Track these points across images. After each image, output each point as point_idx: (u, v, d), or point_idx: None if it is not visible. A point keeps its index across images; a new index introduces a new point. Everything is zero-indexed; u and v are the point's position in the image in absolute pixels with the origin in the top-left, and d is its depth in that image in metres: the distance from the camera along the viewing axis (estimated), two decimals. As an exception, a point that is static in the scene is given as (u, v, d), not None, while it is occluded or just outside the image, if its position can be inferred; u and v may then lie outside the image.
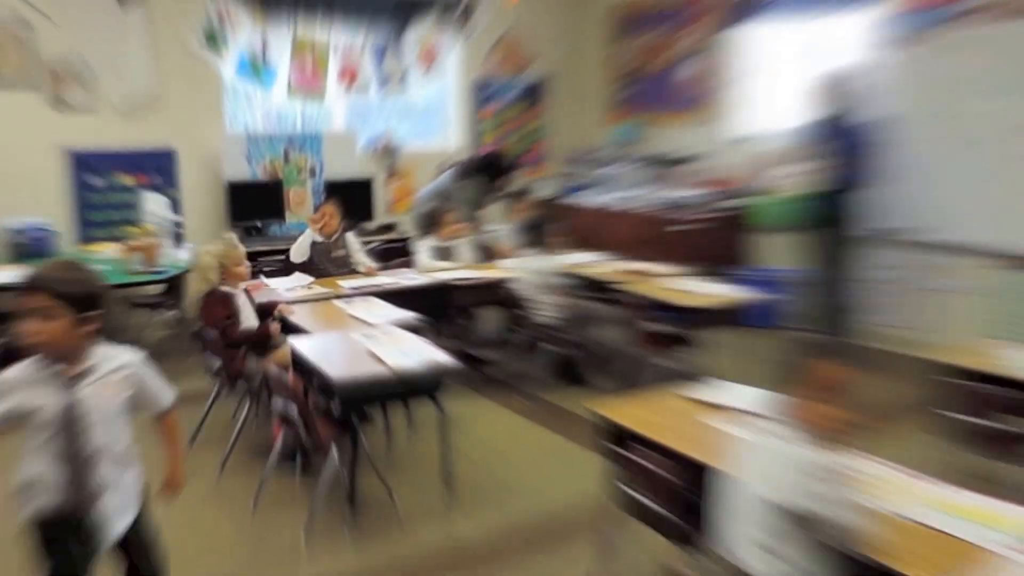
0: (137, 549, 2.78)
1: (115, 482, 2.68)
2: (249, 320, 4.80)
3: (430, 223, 6.32)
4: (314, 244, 6.03)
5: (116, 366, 2.68)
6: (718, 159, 8.10)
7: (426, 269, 6.14)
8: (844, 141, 5.87)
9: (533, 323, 5.92)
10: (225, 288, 4.74)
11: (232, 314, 4.74)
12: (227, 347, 4.57)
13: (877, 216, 6.45)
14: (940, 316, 6.45)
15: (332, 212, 6.06)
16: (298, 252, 5.96)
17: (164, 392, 2.84)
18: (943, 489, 2.67)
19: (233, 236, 5.03)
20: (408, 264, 6.40)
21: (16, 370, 2.58)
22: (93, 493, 2.63)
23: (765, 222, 7.67)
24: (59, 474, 2.59)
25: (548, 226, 5.89)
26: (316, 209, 6.32)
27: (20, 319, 2.50)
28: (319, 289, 5.54)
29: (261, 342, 4.68)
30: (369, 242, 6.70)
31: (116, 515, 2.70)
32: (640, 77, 8.93)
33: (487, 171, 6.77)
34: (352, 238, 6.18)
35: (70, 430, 2.58)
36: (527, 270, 5.89)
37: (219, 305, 4.70)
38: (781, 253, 7.51)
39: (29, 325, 2.50)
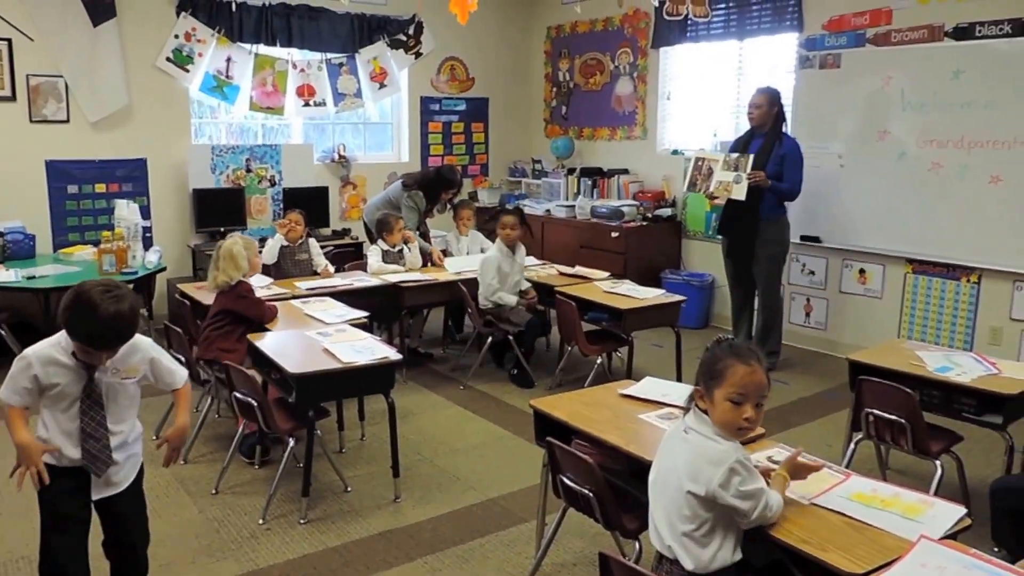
0: (126, 519, 2.83)
1: (123, 453, 2.78)
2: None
3: (381, 229, 6.23)
4: (280, 248, 5.94)
5: (130, 350, 2.74)
6: (652, 171, 8.11)
7: (377, 272, 6.05)
8: (768, 155, 5.85)
9: (479, 315, 5.90)
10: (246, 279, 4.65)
11: (261, 300, 4.75)
12: (257, 330, 4.48)
13: (802, 225, 6.50)
14: (857, 319, 6.52)
15: (297, 219, 5.98)
16: (268, 255, 5.87)
17: (177, 370, 2.92)
18: (860, 480, 2.65)
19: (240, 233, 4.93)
20: (360, 267, 6.31)
21: (43, 347, 2.67)
22: (104, 463, 2.72)
23: (696, 230, 7.72)
24: (73, 444, 2.69)
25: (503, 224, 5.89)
26: (283, 216, 6.24)
27: None
28: (278, 290, 5.42)
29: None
30: (324, 246, 6.58)
31: (120, 481, 2.80)
32: (577, 94, 8.91)
33: (435, 183, 6.69)
34: (314, 243, 6.09)
35: (88, 407, 2.67)
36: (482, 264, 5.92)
37: (252, 292, 4.65)
38: (709, 258, 7.59)
39: None
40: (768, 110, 5.86)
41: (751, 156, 5.84)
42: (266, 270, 5.80)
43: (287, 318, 4.75)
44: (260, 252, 5.12)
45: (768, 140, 5.88)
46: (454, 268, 6.25)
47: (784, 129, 5.95)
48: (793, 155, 5.82)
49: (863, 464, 4.27)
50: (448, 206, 7.03)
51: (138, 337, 2.76)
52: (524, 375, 5.85)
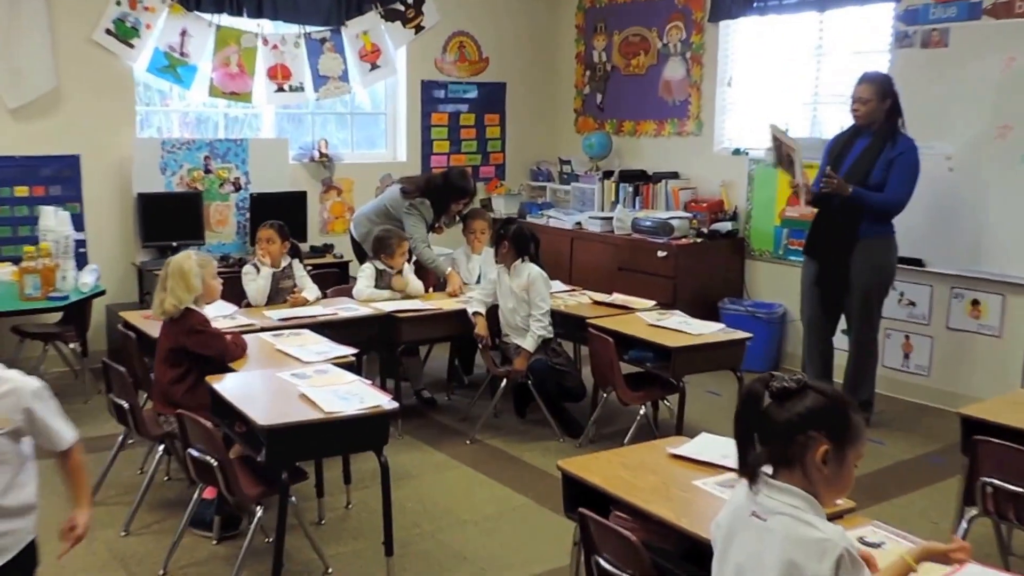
0: None
1: None
2: None
3: (380, 248, 6.29)
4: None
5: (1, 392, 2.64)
6: (708, 175, 8.15)
7: (365, 299, 6.10)
8: (875, 158, 5.82)
9: (494, 354, 5.93)
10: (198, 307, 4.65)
11: (221, 333, 4.73)
12: (216, 371, 4.50)
13: (899, 245, 6.35)
14: (970, 362, 6.49)
15: (271, 236, 6.02)
16: (259, 295, 5.93)
17: (64, 428, 2.81)
18: (977, 570, 2.55)
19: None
20: (346, 292, 6.35)
21: None
22: None
23: (763, 249, 7.72)
24: None
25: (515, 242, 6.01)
26: (249, 229, 6.31)
27: None
28: (243, 319, 5.45)
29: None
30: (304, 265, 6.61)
31: None
32: (616, 79, 8.97)
33: (443, 191, 6.75)
34: (299, 266, 6.15)
35: None
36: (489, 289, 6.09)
37: (208, 324, 4.64)
38: (781, 285, 7.60)
39: None
40: (878, 104, 5.81)
41: (831, 161, 5.86)
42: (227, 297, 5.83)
43: (255, 355, 4.77)
44: (242, 277, 5.04)
45: (877, 140, 5.85)
46: (465, 294, 6.33)
47: (901, 127, 5.85)
48: (905, 159, 5.75)
49: (979, 547, 4.23)
50: (457, 219, 7.07)
51: (16, 377, 2.71)
52: (562, 418, 5.95)
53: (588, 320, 5.76)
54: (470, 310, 6.04)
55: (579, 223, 8.33)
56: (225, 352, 4.64)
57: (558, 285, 6.64)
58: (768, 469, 2.32)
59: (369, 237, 6.77)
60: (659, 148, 8.55)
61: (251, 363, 4.65)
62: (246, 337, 4.94)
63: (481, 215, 7.02)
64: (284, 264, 6.07)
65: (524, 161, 9.52)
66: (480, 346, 6.03)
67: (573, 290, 6.72)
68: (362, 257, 6.90)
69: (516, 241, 6.00)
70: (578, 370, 6.20)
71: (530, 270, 5.95)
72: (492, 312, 6.11)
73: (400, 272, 6.31)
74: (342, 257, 7.83)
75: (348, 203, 8.45)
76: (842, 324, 6.20)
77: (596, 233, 8.11)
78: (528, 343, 5.87)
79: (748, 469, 2.34)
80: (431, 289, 6.64)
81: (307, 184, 8.25)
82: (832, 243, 5.97)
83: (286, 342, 5.01)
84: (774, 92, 7.77)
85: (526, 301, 5.94)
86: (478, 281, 6.67)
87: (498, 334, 6.13)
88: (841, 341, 6.24)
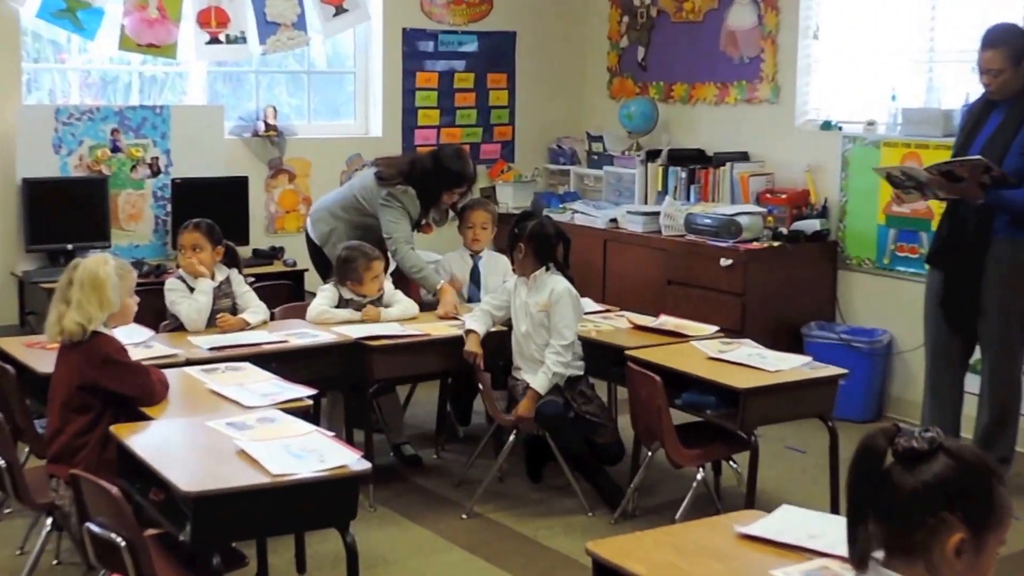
0: None
1: None
2: None
3: (345, 272, 6.25)
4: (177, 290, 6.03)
5: None
6: (788, 157, 8.16)
7: (320, 320, 6.09)
8: (1010, 139, 5.78)
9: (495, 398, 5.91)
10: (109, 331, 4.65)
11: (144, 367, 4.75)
12: (134, 416, 4.49)
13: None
14: None
15: (196, 242, 5.98)
16: (200, 317, 5.92)
17: None
18: None
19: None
20: (301, 312, 6.33)
21: None
22: None
23: (862, 257, 7.69)
24: None
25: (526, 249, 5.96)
26: (169, 226, 6.31)
27: None
28: (162, 348, 5.44)
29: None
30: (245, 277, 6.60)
31: None
32: (664, 28, 8.98)
33: (432, 177, 6.73)
34: (238, 278, 6.13)
35: None
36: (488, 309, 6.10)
37: (125, 354, 4.64)
38: (886, 304, 7.59)
39: None
40: (1012, 72, 5.78)
41: (965, 140, 5.84)
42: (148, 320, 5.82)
43: (178, 397, 4.77)
44: (167, 296, 4.99)
45: (1013, 116, 5.85)
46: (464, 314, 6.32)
47: None
48: None
49: None
50: (450, 214, 7.06)
51: None
52: (593, 482, 5.92)
53: (627, 351, 5.74)
54: (466, 324, 6.03)
55: (614, 220, 8.33)
56: (150, 392, 4.64)
57: (588, 304, 6.59)
58: (880, 554, 2.31)
59: (332, 238, 6.77)
60: (722, 120, 8.56)
61: (173, 407, 4.64)
62: (166, 372, 4.94)
63: (483, 205, 7.03)
64: (220, 278, 6.05)
65: (540, 137, 9.54)
66: (477, 374, 5.98)
67: (607, 311, 6.71)
68: (323, 265, 6.87)
69: (537, 242, 5.94)
70: (613, 420, 6.18)
71: (555, 284, 5.90)
72: (504, 339, 6.12)
73: (377, 301, 6.29)
74: (295, 265, 7.83)
75: (304, 192, 8.48)
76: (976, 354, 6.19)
77: (637, 234, 8.10)
78: (538, 381, 5.81)
79: (857, 554, 2.33)
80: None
81: (249, 167, 8.26)
82: (963, 249, 5.95)
83: (220, 380, 4.99)
84: (875, 46, 7.77)
85: (545, 326, 5.90)
86: (474, 293, 6.72)
87: (508, 368, 6.13)
88: (972, 382, 6.23)
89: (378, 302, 6.30)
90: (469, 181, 6.92)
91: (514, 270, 6.12)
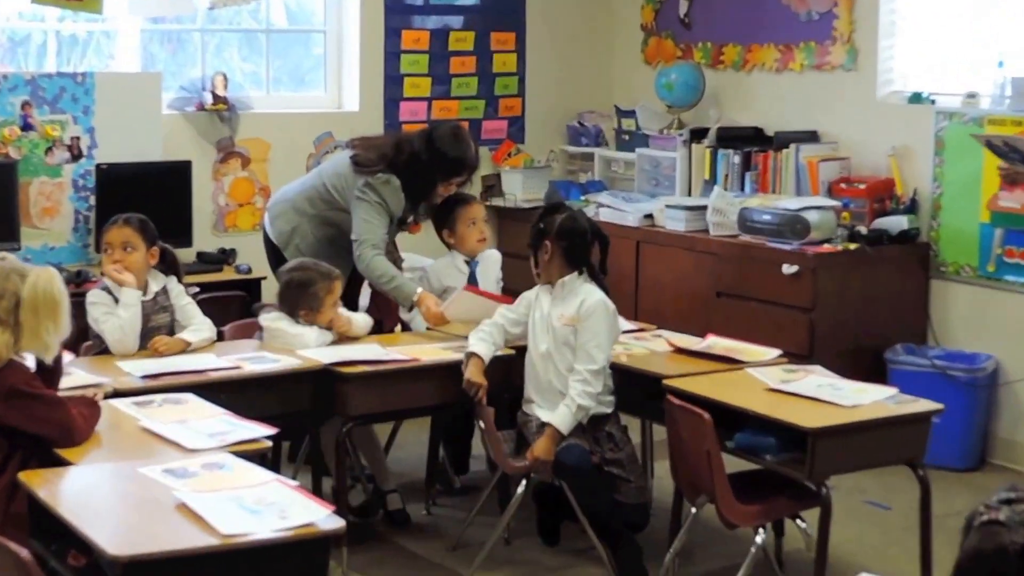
0: None
1: None
2: None
3: (297, 300, 6.21)
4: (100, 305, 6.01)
5: None
6: (868, 138, 8.17)
7: (288, 344, 6.07)
8: None
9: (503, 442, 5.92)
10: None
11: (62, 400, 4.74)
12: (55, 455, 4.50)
13: None
14: None
15: (126, 240, 5.97)
16: (128, 337, 5.89)
17: None
18: None
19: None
20: (254, 330, 6.34)
21: None
22: None
23: (961, 263, 7.68)
24: None
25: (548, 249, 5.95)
26: (92, 227, 6.28)
27: None
28: (83, 375, 5.42)
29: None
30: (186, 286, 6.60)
31: None
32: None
33: (425, 163, 6.70)
34: (178, 289, 6.11)
35: None
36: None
37: (37, 385, 4.62)
38: (991, 323, 7.59)
39: None
40: None
41: None
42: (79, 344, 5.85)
43: (105, 437, 4.76)
44: (88, 311, 5.03)
45: None
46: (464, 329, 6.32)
47: None
48: None
49: None
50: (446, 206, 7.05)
51: None
52: (621, 548, 5.89)
53: (666, 381, 5.72)
54: (469, 345, 5.99)
55: (650, 217, 8.36)
56: (68, 430, 4.62)
57: (620, 322, 6.58)
58: None
59: (295, 238, 6.82)
60: (785, 91, 8.59)
61: (98, 450, 4.63)
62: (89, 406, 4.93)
63: (472, 197, 7.03)
64: (155, 288, 6.04)
65: (556, 112, 9.58)
66: (478, 409, 5.95)
67: (641, 330, 6.73)
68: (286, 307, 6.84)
69: (569, 240, 5.91)
70: (643, 474, 6.20)
71: (588, 294, 5.89)
72: (513, 365, 6.11)
73: (343, 316, 6.29)
74: (250, 272, 7.88)
75: (261, 181, 8.52)
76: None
77: (679, 234, 8.13)
78: (560, 417, 5.78)
79: None
80: (396, 328, 6.66)
81: (193, 149, 8.30)
82: None
83: (156, 415, 4.97)
84: (978, 1, 7.77)
85: (570, 346, 5.88)
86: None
87: (517, 402, 6.12)
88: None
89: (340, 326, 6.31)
90: (470, 168, 6.87)
91: (537, 275, 6.07)
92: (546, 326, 5.96)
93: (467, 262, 6.87)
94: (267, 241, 7.08)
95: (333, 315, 6.26)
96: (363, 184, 6.67)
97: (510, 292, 6.66)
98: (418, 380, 6.08)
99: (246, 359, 5.89)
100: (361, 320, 6.39)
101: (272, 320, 6.22)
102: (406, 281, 6.62)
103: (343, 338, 6.26)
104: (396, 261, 6.91)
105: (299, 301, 6.22)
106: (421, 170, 6.72)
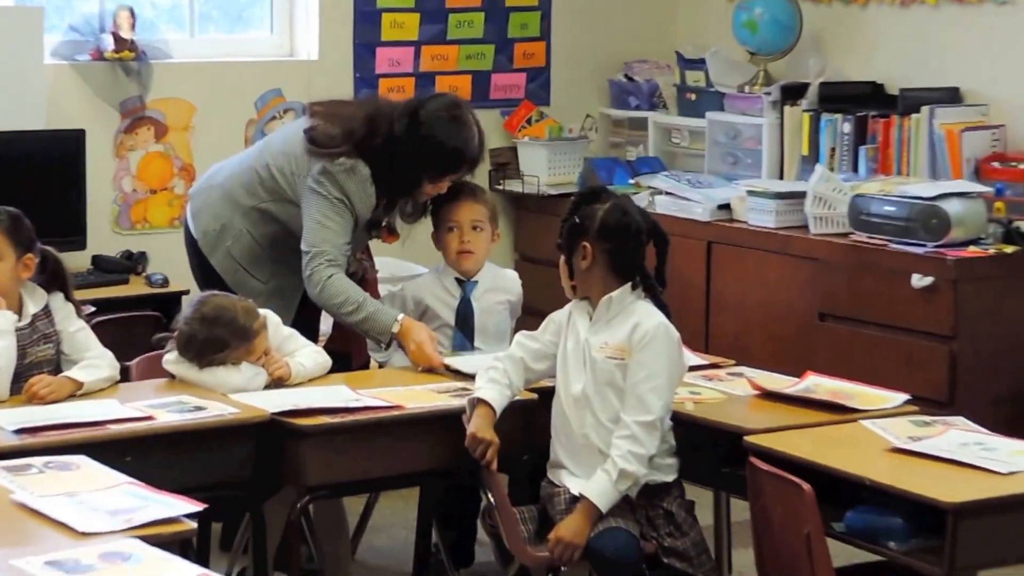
0: None
1: None
2: None
3: (205, 347, 6.20)
4: None
5: None
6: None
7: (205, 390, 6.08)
8: None
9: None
10: None
11: None
12: None
13: None
14: None
15: None
16: None
17: None
18: None
19: None
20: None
21: None
22: None
23: None
24: None
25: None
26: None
27: None
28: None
29: None
30: (79, 304, 6.63)
31: None
32: None
33: (405, 150, 6.70)
34: (66, 309, 6.13)
35: None
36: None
37: None
38: None
39: None
40: None
41: None
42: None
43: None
44: None
45: None
46: (466, 364, 6.36)
47: None
48: None
49: None
50: (429, 208, 7.03)
51: None
52: None
53: (749, 439, 5.71)
54: (475, 387, 5.95)
55: (726, 208, 8.44)
56: None
57: (686, 355, 6.58)
58: None
59: (226, 239, 6.86)
60: (913, 33, 8.65)
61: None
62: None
63: (472, 191, 6.99)
64: (33, 309, 6.06)
65: (594, 62, 9.69)
66: (485, 477, 5.95)
67: (714, 366, 6.73)
68: (211, 286, 6.84)
69: (616, 240, 5.85)
70: (714, 561, 6.22)
71: (643, 316, 5.85)
72: (532, 414, 6.10)
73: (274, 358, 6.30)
74: (166, 284, 7.97)
75: (183, 159, 8.62)
76: None
77: (766, 231, 8.19)
78: (598, 488, 5.74)
79: None
80: (371, 363, 6.71)
81: (87, 114, 8.39)
82: None
83: (37, 485, 4.97)
84: None
85: (616, 387, 5.86)
86: (463, 342, 6.77)
87: (538, 466, 6.12)
88: None
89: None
90: (470, 162, 6.80)
91: (570, 290, 6.01)
92: (582, 360, 5.90)
93: (460, 281, 6.88)
94: (190, 242, 7.09)
95: (264, 354, 6.23)
96: (319, 171, 6.62)
97: (534, 314, 6.63)
98: (403, 436, 6.03)
99: (161, 406, 5.82)
100: (309, 361, 6.31)
101: (176, 364, 6.23)
102: (380, 308, 6.57)
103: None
104: (363, 278, 6.93)
105: (203, 356, 6.19)
106: (401, 160, 6.66)
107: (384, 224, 6.96)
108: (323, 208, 6.60)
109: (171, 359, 6.21)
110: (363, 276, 6.84)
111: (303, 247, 6.54)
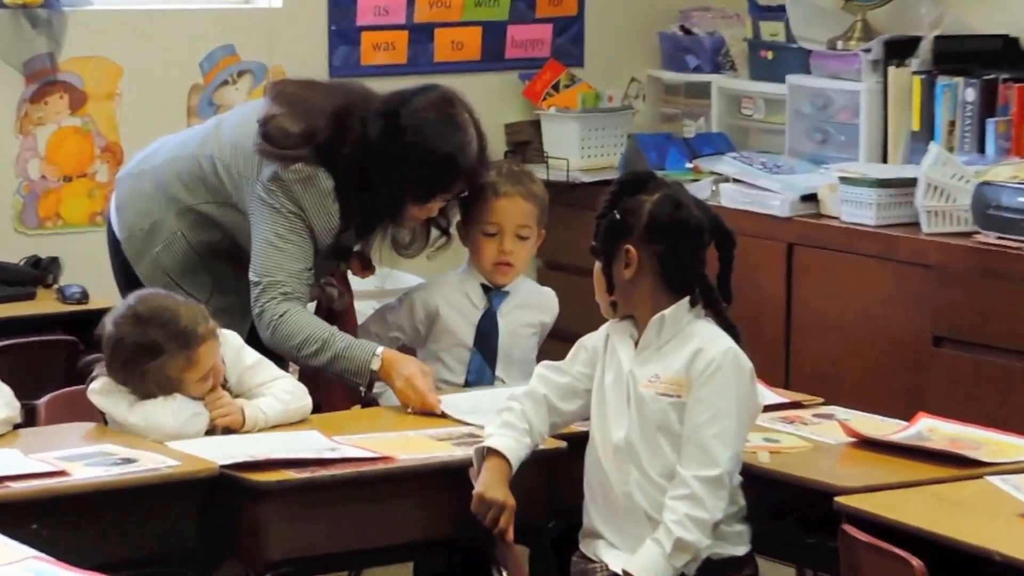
0: None
1: None
2: None
3: (130, 375, 6.22)
4: None
5: None
6: None
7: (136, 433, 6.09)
8: None
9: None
10: None
11: None
12: None
13: None
14: None
15: None
16: None
17: None
18: None
19: None
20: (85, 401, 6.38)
21: None
22: None
23: None
24: None
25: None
26: None
27: None
28: None
29: None
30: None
31: None
32: None
33: (384, 163, 6.69)
34: None
35: None
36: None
37: None
38: None
39: None
40: None
41: None
42: None
43: None
44: None
45: None
46: (457, 410, 6.39)
47: None
48: None
49: None
50: (429, 228, 7.02)
51: None
52: None
53: (841, 500, 5.70)
54: (485, 434, 5.96)
55: (811, 200, 8.48)
56: None
57: (760, 391, 6.60)
58: None
59: (156, 243, 6.89)
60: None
61: None
62: None
63: (518, 182, 6.99)
64: None
65: (638, 11, 9.71)
66: (499, 550, 6.01)
67: (796, 405, 6.76)
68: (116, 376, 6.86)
69: (665, 240, 5.84)
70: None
71: (705, 340, 5.83)
72: (558, 467, 6.10)
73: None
74: (84, 299, 8.02)
75: (106, 136, 8.67)
76: None
77: (865, 230, 8.22)
78: (644, 563, 5.73)
79: None
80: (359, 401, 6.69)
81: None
82: None
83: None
84: None
85: (670, 432, 5.86)
86: (481, 368, 6.79)
87: (568, 534, 6.11)
88: None
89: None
90: (467, 173, 6.75)
91: (609, 306, 6.01)
92: (626, 397, 5.87)
93: (486, 288, 6.92)
94: (112, 243, 7.09)
95: (212, 384, 6.23)
96: (270, 177, 6.59)
97: (561, 338, 6.64)
98: (391, 496, 6.04)
99: (78, 458, 5.83)
100: (272, 409, 6.26)
101: (103, 396, 6.24)
102: (352, 342, 6.56)
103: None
104: (330, 309, 6.96)
105: (132, 379, 6.22)
106: (377, 174, 6.67)
107: (355, 250, 6.94)
108: (275, 225, 6.57)
109: (97, 388, 6.19)
110: (329, 307, 6.82)
111: (251, 276, 6.56)
